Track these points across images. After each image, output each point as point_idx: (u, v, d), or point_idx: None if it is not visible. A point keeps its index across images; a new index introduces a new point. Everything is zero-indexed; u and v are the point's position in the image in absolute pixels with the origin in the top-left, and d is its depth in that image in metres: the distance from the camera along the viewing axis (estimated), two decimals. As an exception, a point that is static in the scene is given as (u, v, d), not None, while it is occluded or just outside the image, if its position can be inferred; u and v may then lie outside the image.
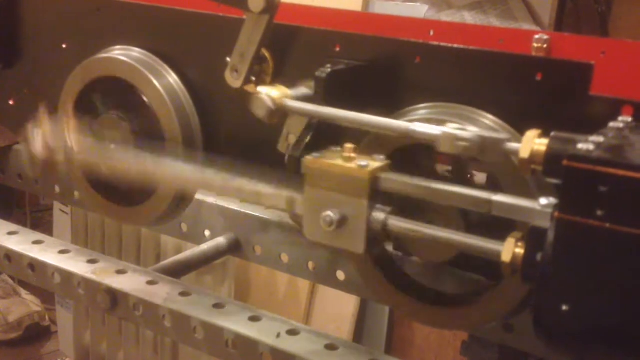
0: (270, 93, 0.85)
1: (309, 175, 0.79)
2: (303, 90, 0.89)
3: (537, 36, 0.84)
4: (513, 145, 0.70)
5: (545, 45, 0.83)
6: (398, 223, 0.77)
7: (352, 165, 0.77)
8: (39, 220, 3.34)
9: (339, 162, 0.78)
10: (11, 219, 1.25)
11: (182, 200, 1.03)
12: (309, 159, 0.80)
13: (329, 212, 0.77)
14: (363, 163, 0.77)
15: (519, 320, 0.93)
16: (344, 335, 2.35)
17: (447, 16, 2.23)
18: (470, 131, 0.71)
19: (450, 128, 0.72)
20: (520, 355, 0.99)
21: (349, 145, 0.79)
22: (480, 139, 0.70)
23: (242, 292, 2.46)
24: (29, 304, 3.06)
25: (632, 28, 2.07)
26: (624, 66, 0.79)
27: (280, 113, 0.85)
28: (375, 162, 0.78)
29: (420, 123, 0.75)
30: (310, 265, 1.20)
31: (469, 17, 2.20)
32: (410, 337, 2.50)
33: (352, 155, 0.78)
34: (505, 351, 1.01)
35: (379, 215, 0.77)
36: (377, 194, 0.77)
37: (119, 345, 2.43)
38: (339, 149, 0.81)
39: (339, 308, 2.40)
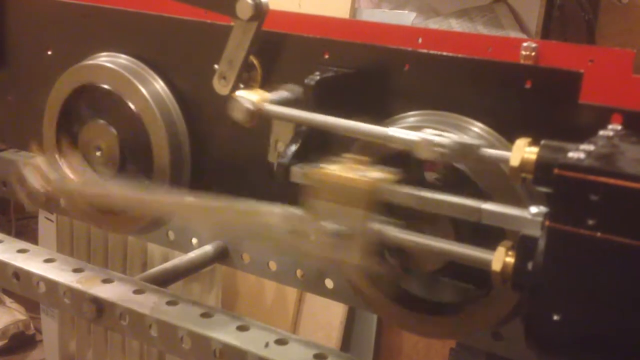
0: (248, 96, 0.84)
1: (310, 186, 0.78)
2: (283, 93, 0.88)
3: (525, 44, 0.84)
4: (489, 151, 0.71)
5: (533, 53, 0.83)
6: (393, 233, 0.76)
7: (353, 175, 0.75)
8: (23, 228, 3.30)
9: (340, 172, 0.76)
10: (-5, 227, 1.23)
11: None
12: (311, 170, 0.79)
13: (329, 223, 0.76)
14: (364, 173, 0.75)
15: (508, 328, 0.93)
16: (331, 343, 2.34)
17: (434, 24, 2.23)
18: (447, 137, 0.71)
19: (428, 134, 0.72)
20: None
21: (348, 156, 0.78)
22: (457, 145, 0.70)
23: (229, 300, 2.44)
24: (13, 312, 3.04)
25: (618, 36, 2.08)
26: (611, 74, 0.79)
27: (259, 116, 0.84)
28: (376, 173, 0.76)
29: (398, 128, 0.75)
30: (299, 273, 1.19)
31: (456, 25, 2.21)
32: (398, 345, 2.49)
33: (353, 165, 0.77)
34: (493, 359, 1.01)
35: (377, 225, 0.75)
36: (376, 204, 0.76)
37: (104, 355, 2.41)
38: (336, 159, 0.79)
39: (326, 316, 2.39)
